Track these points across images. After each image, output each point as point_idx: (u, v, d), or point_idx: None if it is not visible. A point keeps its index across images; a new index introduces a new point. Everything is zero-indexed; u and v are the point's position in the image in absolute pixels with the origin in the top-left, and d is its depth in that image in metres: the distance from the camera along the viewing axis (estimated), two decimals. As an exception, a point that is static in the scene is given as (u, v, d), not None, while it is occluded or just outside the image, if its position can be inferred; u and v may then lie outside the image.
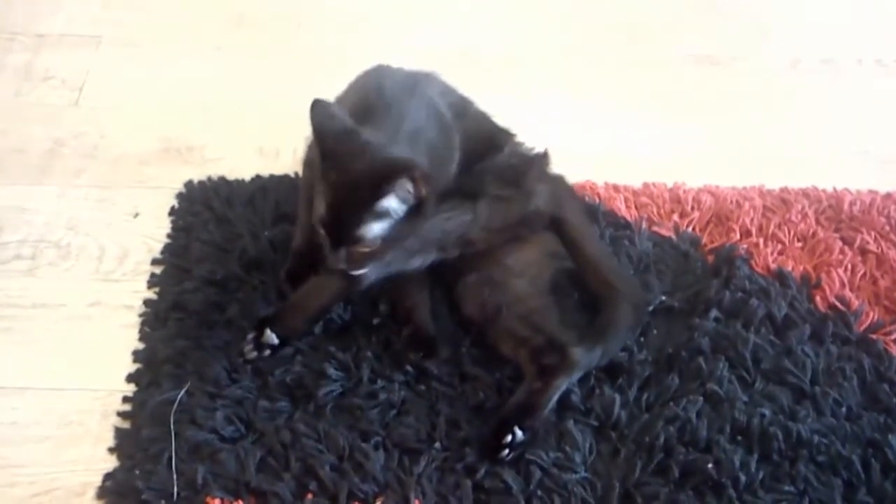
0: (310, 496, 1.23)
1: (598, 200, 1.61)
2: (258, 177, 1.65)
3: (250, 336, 1.38)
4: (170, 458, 1.26)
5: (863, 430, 1.32)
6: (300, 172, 1.63)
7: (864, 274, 1.52)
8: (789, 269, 1.52)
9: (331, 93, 1.83)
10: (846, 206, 1.63)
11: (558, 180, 1.51)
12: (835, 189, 1.67)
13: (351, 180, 1.25)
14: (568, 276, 1.45)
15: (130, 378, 1.38)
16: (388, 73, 1.50)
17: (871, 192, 1.67)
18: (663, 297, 1.46)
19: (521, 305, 1.38)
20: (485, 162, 1.44)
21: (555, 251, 1.45)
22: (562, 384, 1.33)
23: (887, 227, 1.59)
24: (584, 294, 1.45)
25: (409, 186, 1.25)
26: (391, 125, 1.33)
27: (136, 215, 1.61)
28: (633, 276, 1.49)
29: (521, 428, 1.28)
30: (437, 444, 1.29)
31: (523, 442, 1.28)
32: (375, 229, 1.26)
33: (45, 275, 1.53)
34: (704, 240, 1.57)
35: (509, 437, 1.28)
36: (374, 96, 1.40)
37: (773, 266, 1.52)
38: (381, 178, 1.24)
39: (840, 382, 1.37)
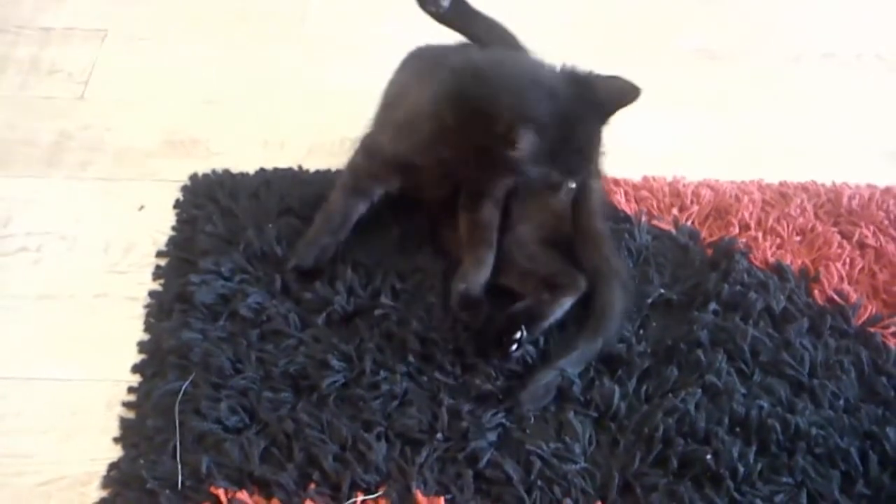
0: (312, 486, 1.25)
1: (598, 194, 1.62)
2: (262, 170, 1.66)
3: None
4: (174, 448, 1.27)
5: (861, 422, 1.32)
6: (303, 165, 1.65)
7: (863, 268, 1.53)
8: (788, 262, 1.53)
9: (334, 88, 1.85)
10: (845, 200, 1.63)
11: None
12: (834, 183, 1.67)
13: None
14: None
15: (135, 369, 1.39)
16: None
17: (869, 186, 1.67)
18: (662, 290, 1.47)
19: (525, 248, 1.42)
20: None
21: (562, 212, 1.47)
22: (567, 303, 1.38)
23: (886, 222, 1.60)
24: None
25: None
26: None
27: (142, 208, 1.62)
28: (633, 268, 1.49)
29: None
30: (439, 435, 1.30)
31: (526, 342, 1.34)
32: None
33: (51, 266, 1.53)
34: (703, 233, 1.58)
35: (518, 334, 1.31)
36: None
37: (771, 260, 1.53)
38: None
39: (838, 375, 1.38)
